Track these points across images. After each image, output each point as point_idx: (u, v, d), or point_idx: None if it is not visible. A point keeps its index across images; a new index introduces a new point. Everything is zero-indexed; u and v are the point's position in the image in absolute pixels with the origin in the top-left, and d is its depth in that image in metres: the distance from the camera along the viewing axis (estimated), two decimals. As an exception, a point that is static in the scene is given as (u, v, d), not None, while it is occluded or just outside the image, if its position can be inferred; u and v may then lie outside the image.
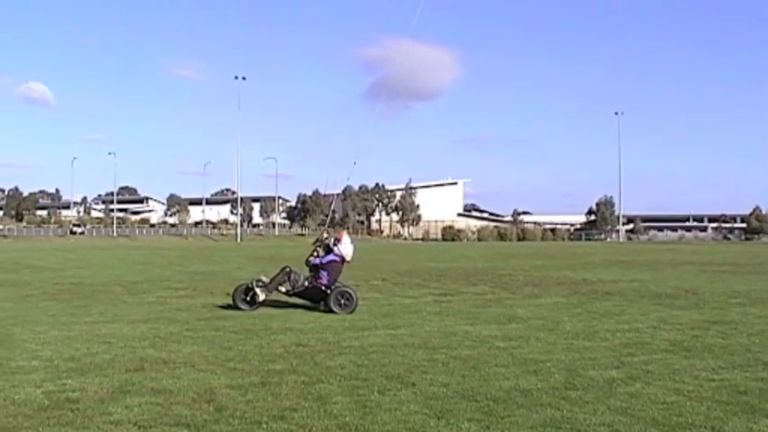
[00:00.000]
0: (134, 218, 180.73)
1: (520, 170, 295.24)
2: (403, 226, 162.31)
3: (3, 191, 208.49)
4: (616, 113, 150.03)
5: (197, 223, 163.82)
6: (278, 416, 7.94)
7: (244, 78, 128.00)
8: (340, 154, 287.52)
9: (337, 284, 17.77)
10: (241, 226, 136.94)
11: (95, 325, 14.70)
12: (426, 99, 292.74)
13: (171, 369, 10.24)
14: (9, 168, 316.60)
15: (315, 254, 18.07)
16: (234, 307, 17.25)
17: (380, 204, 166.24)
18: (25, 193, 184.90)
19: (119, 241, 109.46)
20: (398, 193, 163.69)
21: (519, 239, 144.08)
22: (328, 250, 18.09)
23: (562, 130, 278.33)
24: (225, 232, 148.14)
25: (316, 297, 17.71)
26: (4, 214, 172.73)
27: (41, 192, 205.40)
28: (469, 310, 17.67)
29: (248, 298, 17.38)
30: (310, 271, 18.03)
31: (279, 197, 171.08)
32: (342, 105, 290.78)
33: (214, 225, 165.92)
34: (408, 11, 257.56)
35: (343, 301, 17.17)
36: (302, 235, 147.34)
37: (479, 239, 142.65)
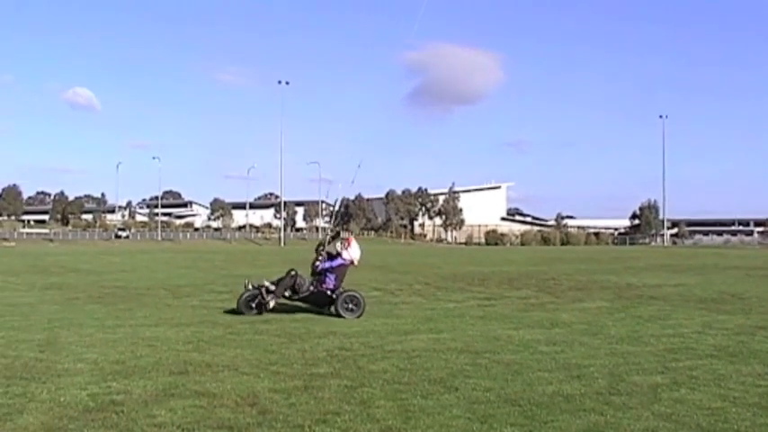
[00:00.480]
0: (178, 222, 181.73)
1: (563, 174, 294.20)
2: (446, 230, 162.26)
3: (49, 195, 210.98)
4: (660, 117, 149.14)
5: (241, 227, 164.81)
6: (321, 419, 7.95)
7: (287, 83, 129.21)
8: (383, 158, 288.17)
9: (341, 289, 17.67)
10: (285, 230, 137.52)
11: (140, 328, 14.81)
12: (470, 103, 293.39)
13: (214, 372, 10.29)
14: (55, 173, 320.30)
15: (320, 258, 17.85)
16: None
17: (423, 208, 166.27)
18: (71, 198, 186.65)
19: (163, 245, 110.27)
20: (441, 198, 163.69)
21: (563, 244, 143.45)
22: (329, 256, 17.95)
23: (606, 134, 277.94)
24: (268, 236, 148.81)
25: (321, 302, 17.57)
26: (50, 218, 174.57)
27: (87, 196, 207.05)
28: (513, 315, 17.61)
29: (254, 305, 17.14)
30: (313, 275, 17.81)
31: (322, 201, 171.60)
32: (385, 109, 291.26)
33: (258, 229, 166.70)
34: (451, 14, 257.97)
35: (351, 306, 17.04)
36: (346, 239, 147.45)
37: (523, 244, 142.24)
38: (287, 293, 17.43)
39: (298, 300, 17.64)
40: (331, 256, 17.93)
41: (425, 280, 29.45)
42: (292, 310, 17.73)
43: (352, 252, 18.04)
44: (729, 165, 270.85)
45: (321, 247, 18.27)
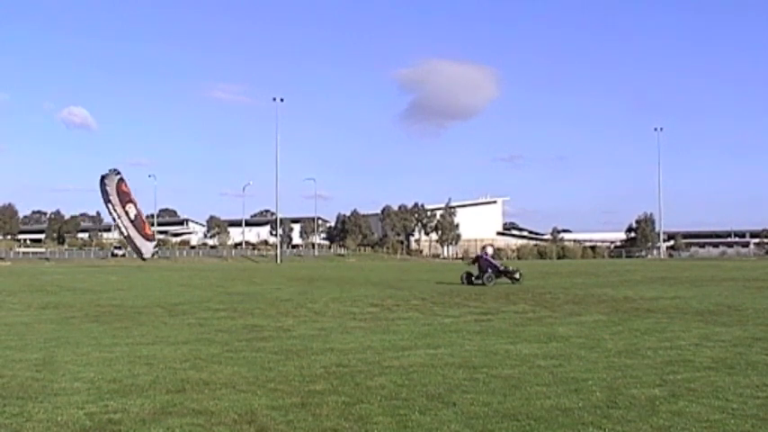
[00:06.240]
0: (174, 240, 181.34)
1: (559, 188, 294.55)
2: (442, 245, 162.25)
3: (45, 214, 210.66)
4: (655, 130, 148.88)
5: (237, 245, 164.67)
6: (319, 436, 7.94)
7: (282, 100, 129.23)
8: (378, 174, 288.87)
9: None
10: (280, 247, 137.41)
11: (137, 346, 14.79)
12: (464, 118, 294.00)
13: (212, 390, 10.27)
14: (51, 192, 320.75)
15: None
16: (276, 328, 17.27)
17: (420, 224, 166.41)
18: (67, 216, 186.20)
19: (159, 263, 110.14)
20: (438, 213, 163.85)
21: (559, 257, 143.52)
22: None
23: (601, 147, 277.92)
24: (265, 253, 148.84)
25: None
26: (46, 237, 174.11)
27: (83, 215, 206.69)
28: (510, 329, 17.59)
29: None
30: None
31: (318, 218, 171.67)
32: (380, 126, 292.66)
33: (254, 246, 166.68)
34: (443, 30, 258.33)
35: None
36: (342, 255, 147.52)
37: (519, 258, 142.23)
38: None
39: None
40: None
41: (422, 295, 29.36)
42: (289, 328, 17.75)
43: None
44: (725, 176, 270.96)
45: None
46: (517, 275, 37.91)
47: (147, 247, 60.36)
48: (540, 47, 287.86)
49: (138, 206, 58.52)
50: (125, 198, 58.50)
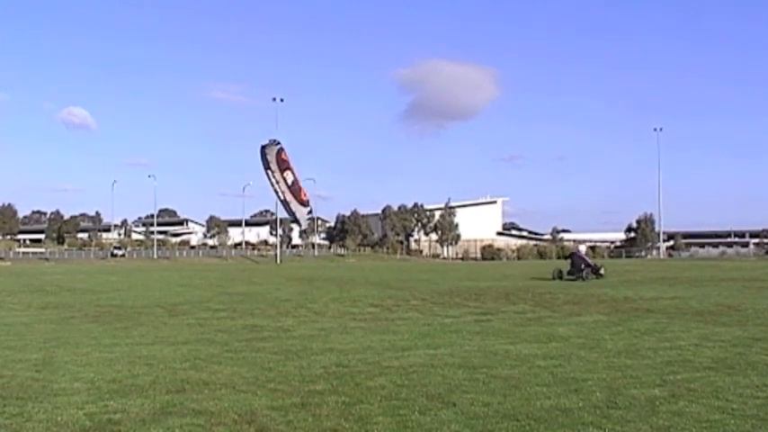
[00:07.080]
0: (174, 240, 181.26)
1: (559, 188, 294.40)
2: (442, 245, 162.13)
3: (45, 214, 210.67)
4: (655, 130, 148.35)
5: (236, 245, 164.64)
6: (319, 436, 7.93)
7: (281, 100, 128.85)
8: (378, 174, 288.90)
9: None
10: (280, 247, 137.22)
11: (137, 347, 14.79)
12: (464, 119, 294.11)
13: (212, 390, 10.27)
14: (51, 192, 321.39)
15: None
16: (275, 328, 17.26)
17: (419, 224, 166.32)
18: (66, 217, 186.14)
19: (159, 263, 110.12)
20: (437, 213, 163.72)
21: (559, 258, 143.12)
22: None
23: (601, 147, 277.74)
24: (264, 253, 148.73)
25: None
26: (46, 237, 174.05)
27: (82, 215, 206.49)
28: (510, 329, 17.58)
29: None
30: None
31: (318, 218, 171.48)
32: (380, 126, 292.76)
33: (253, 246, 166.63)
34: (443, 30, 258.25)
35: None
36: (341, 255, 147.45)
37: (519, 258, 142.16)
38: None
39: None
40: None
41: (422, 295, 29.33)
42: (289, 328, 17.75)
43: None
44: (725, 176, 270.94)
45: None
46: (602, 271, 41.44)
47: (302, 212, 63.41)
48: (540, 47, 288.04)
49: (296, 173, 61.73)
50: (283, 165, 61.09)
